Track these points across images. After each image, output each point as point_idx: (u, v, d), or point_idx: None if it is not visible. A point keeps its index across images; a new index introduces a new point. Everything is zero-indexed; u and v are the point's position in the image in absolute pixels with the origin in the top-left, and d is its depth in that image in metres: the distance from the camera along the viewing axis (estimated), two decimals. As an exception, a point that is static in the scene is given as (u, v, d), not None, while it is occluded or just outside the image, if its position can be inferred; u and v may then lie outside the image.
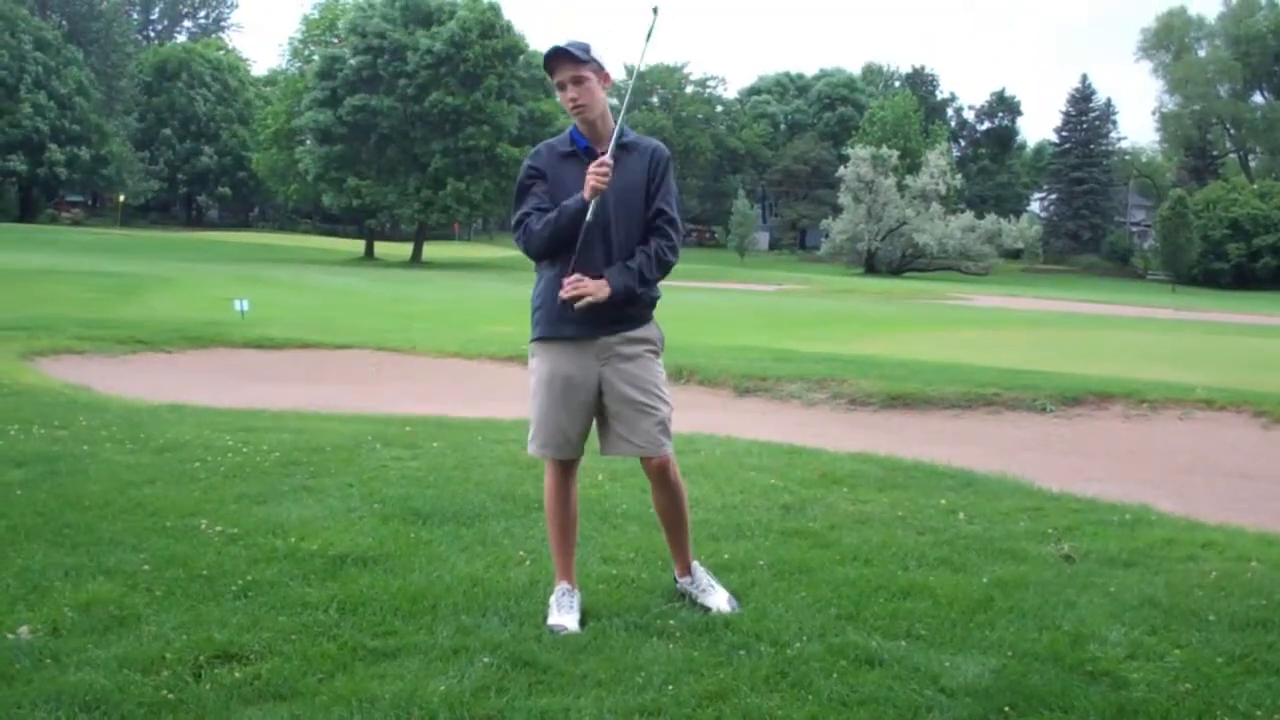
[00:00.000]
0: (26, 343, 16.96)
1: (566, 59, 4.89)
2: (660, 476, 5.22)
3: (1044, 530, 6.85)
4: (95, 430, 9.06)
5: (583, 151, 5.00)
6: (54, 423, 9.31)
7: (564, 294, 4.91)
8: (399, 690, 4.14)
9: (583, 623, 4.95)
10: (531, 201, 5.04)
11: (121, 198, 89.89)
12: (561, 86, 4.94)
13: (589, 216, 4.84)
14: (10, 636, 4.56)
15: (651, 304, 5.18)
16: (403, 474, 7.80)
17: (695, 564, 5.36)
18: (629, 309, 5.06)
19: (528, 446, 5.33)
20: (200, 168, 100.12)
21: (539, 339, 5.15)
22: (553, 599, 5.08)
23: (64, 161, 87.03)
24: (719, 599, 5.18)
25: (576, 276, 4.90)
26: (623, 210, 5.01)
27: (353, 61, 70.67)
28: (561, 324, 5.04)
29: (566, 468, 5.26)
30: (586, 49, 4.92)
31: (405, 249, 76.30)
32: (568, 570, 5.20)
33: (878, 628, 4.99)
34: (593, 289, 4.90)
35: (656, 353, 5.19)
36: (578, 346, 5.06)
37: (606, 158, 4.85)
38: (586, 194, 4.85)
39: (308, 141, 73.21)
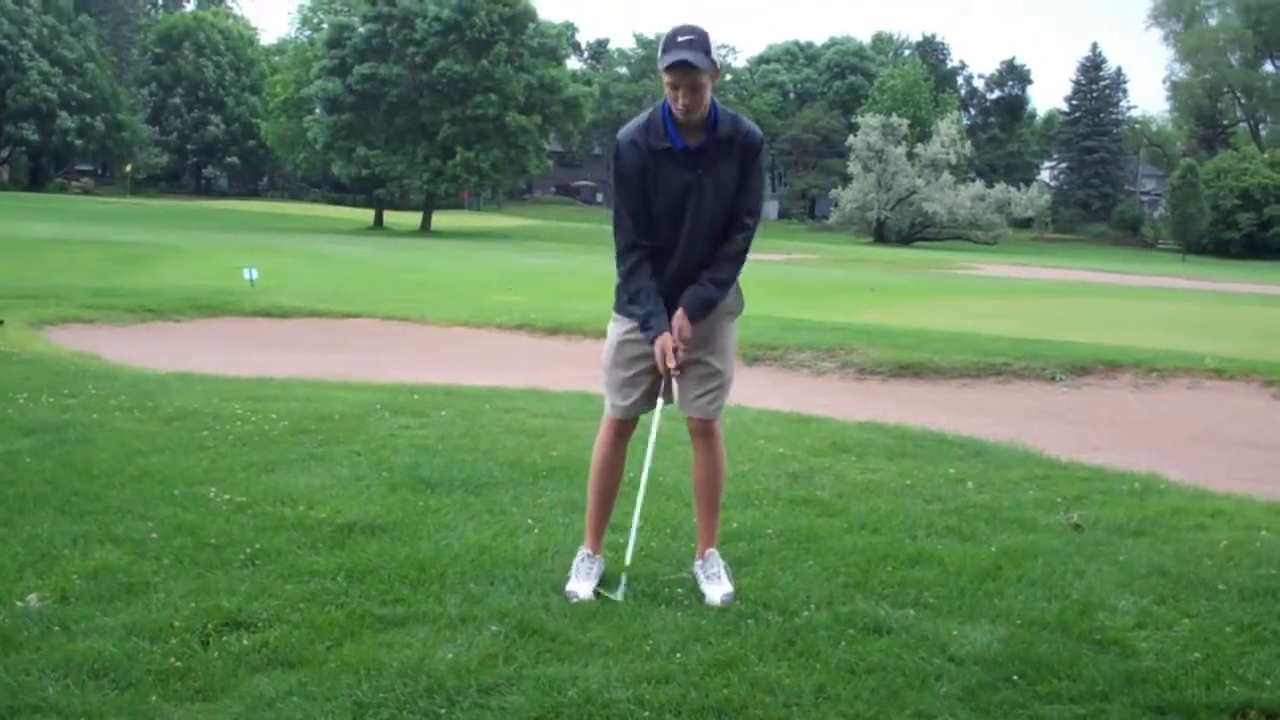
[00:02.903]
0: (35, 311, 16.95)
1: (688, 70, 4.67)
2: (705, 441, 5.18)
3: (1053, 499, 6.84)
4: (104, 399, 9.05)
5: (679, 152, 4.83)
6: (63, 391, 9.31)
7: (675, 366, 4.93)
8: (407, 658, 4.14)
9: (598, 590, 4.94)
10: (631, 199, 4.89)
11: (129, 167, 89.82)
12: (674, 87, 4.71)
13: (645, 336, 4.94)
14: (19, 604, 4.56)
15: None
16: (411, 442, 7.80)
17: (713, 551, 5.19)
18: None
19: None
20: (209, 137, 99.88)
21: (620, 312, 5.14)
22: (575, 562, 5.08)
23: (76, 130, 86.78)
24: (715, 592, 4.97)
25: (673, 352, 4.89)
26: (719, 207, 4.91)
27: (362, 30, 70.47)
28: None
29: (621, 430, 5.24)
30: (708, 48, 4.70)
31: (414, 218, 76.19)
32: (597, 536, 5.19)
33: (886, 596, 4.98)
34: (685, 336, 4.93)
35: (733, 315, 5.18)
36: None
37: (678, 358, 4.89)
38: (658, 358, 4.90)
39: (316, 110, 73.04)
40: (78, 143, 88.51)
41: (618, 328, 5.15)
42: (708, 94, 4.77)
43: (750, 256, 5.14)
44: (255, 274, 23.43)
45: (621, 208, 4.94)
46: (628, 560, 4.84)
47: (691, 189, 4.85)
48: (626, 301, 4.99)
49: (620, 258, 4.98)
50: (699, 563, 5.17)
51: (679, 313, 4.93)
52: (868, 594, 5.01)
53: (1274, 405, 12.64)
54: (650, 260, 4.96)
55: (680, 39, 4.68)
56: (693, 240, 4.92)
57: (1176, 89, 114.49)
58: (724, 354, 5.14)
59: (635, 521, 4.95)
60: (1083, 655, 4.40)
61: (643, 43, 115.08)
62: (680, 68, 4.66)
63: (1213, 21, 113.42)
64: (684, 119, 4.80)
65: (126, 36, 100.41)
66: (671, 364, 4.90)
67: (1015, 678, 4.18)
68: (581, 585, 4.94)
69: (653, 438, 5.11)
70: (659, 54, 4.76)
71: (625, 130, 4.95)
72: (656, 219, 4.90)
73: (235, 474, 6.73)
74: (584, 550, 5.14)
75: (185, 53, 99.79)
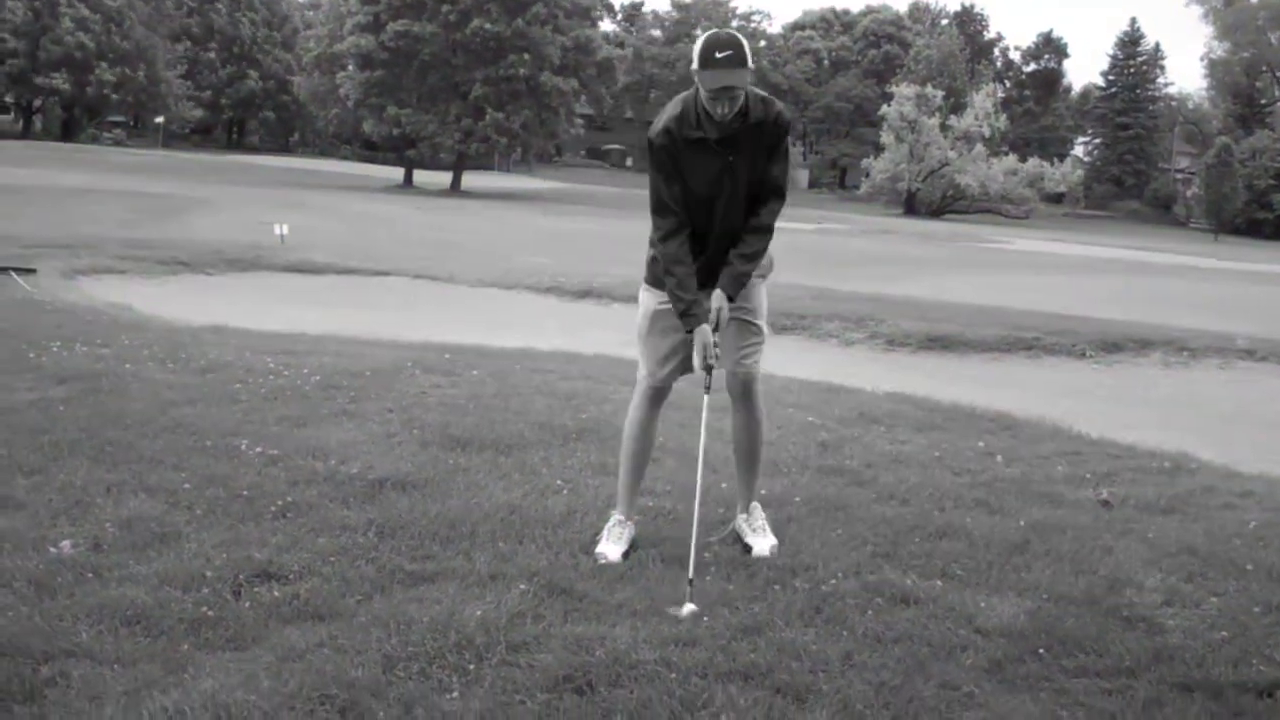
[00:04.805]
0: (68, 261, 17.07)
1: (738, 84, 4.74)
2: (745, 396, 5.29)
3: (1082, 475, 6.82)
4: (137, 350, 9.11)
5: (714, 143, 4.89)
6: (96, 341, 9.37)
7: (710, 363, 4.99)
8: (436, 614, 4.17)
9: (627, 554, 4.99)
10: (672, 188, 4.94)
11: (159, 119, 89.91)
12: (714, 99, 4.76)
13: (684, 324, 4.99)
14: (53, 550, 4.61)
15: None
16: (442, 401, 7.82)
17: (756, 504, 5.38)
18: None
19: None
20: (245, 91, 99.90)
21: (652, 284, 5.21)
22: (606, 526, 5.14)
23: (113, 84, 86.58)
24: (763, 544, 5.17)
25: (710, 345, 4.95)
26: (751, 188, 5.00)
27: (397, -14, 70.17)
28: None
29: (655, 398, 5.29)
30: (745, 58, 4.74)
31: (444, 178, 76.02)
32: (629, 502, 5.26)
33: (913, 567, 4.99)
34: (725, 318, 5.01)
35: (763, 277, 5.26)
36: None
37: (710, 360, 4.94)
38: (696, 349, 4.96)
39: (349, 67, 72.88)
40: (114, 96, 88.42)
41: (651, 298, 5.24)
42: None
43: (781, 225, 5.19)
44: (286, 230, 23.47)
45: (661, 194, 4.99)
46: (691, 572, 4.65)
47: (725, 174, 4.94)
48: (664, 273, 5.02)
49: (665, 240, 5.00)
50: (744, 516, 5.33)
51: (717, 293, 5.00)
52: (895, 564, 5.02)
53: (1306, 388, 12.57)
54: (689, 240, 5.02)
55: (719, 55, 4.70)
56: (727, 221, 5.02)
57: (1214, 67, 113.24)
58: (761, 312, 5.27)
59: (695, 536, 4.80)
60: (1110, 631, 4.40)
61: (679, 6, 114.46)
62: (729, 88, 4.73)
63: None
64: (723, 122, 4.85)
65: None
66: (710, 359, 4.96)
67: (1041, 651, 4.19)
68: (611, 548, 4.99)
69: (704, 432, 5.10)
70: (696, 62, 4.75)
71: (659, 121, 5.00)
72: (691, 204, 4.97)
73: (268, 427, 6.77)
74: (616, 515, 5.20)
75: (219, 7, 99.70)
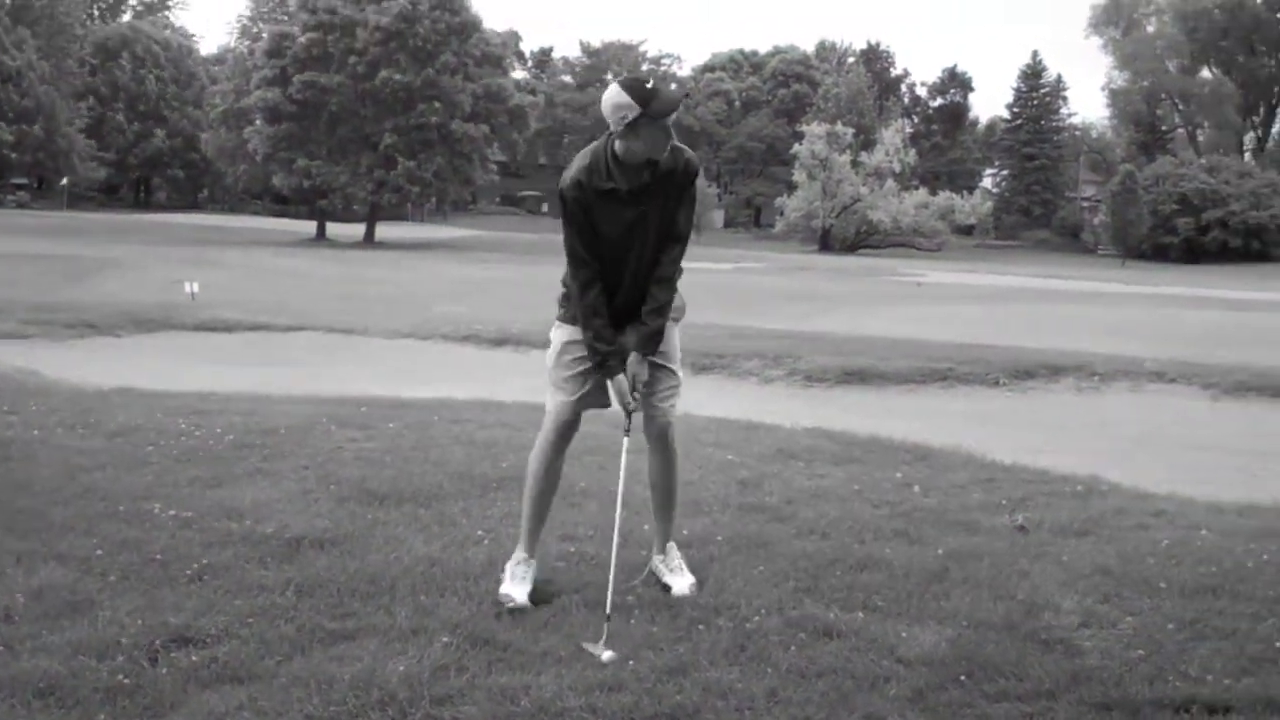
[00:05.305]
0: (-27, 328, 16.74)
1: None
2: (661, 440, 5.32)
3: (997, 502, 6.90)
4: (45, 415, 8.93)
5: (625, 193, 4.94)
6: (2, 408, 9.17)
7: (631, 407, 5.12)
8: (358, 671, 4.13)
9: (535, 596, 4.97)
10: (584, 237, 4.99)
11: (64, 180, 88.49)
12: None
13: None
14: (-38, 623, 4.50)
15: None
16: (358, 455, 7.75)
17: (672, 544, 5.40)
18: None
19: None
20: (151, 150, 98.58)
21: (565, 321, 5.25)
22: (509, 566, 5.11)
23: (12, 143, 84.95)
24: (682, 583, 5.20)
25: (626, 393, 5.06)
26: (663, 236, 5.06)
27: (302, 39, 69.92)
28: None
29: (564, 432, 5.27)
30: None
31: (357, 230, 75.61)
32: (532, 541, 5.22)
33: (835, 600, 5.02)
34: (643, 379, 5.10)
35: (675, 320, 5.28)
36: None
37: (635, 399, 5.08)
38: (614, 396, 5.10)
39: (257, 121, 72.41)
40: (14, 156, 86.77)
41: (561, 334, 5.26)
42: None
43: (697, 266, 5.24)
44: (196, 288, 23.24)
45: (575, 246, 5.03)
46: (609, 609, 4.70)
47: (637, 224, 4.98)
48: (582, 324, 5.07)
49: (583, 291, 5.04)
50: (660, 557, 5.35)
51: (633, 358, 5.06)
52: (817, 598, 5.05)
53: (1213, 407, 12.85)
54: (605, 289, 5.07)
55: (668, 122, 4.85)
56: (639, 268, 5.06)
57: (1115, 96, 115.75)
58: (675, 356, 5.31)
59: (613, 574, 4.85)
60: (1029, 655, 4.45)
61: (589, 51, 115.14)
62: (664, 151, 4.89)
63: (1150, 29, 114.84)
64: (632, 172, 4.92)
65: (62, 47, 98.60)
66: (629, 403, 5.07)
67: (963, 678, 4.23)
68: (517, 589, 4.97)
69: (623, 473, 5.15)
70: (638, 100, 4.80)
71: (569, 173, 5.03)
72: (605, 254, 5.02)
73: (180, 489, 6.66)
74: (519, 554, 5.17)
75: (123, 64, 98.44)
